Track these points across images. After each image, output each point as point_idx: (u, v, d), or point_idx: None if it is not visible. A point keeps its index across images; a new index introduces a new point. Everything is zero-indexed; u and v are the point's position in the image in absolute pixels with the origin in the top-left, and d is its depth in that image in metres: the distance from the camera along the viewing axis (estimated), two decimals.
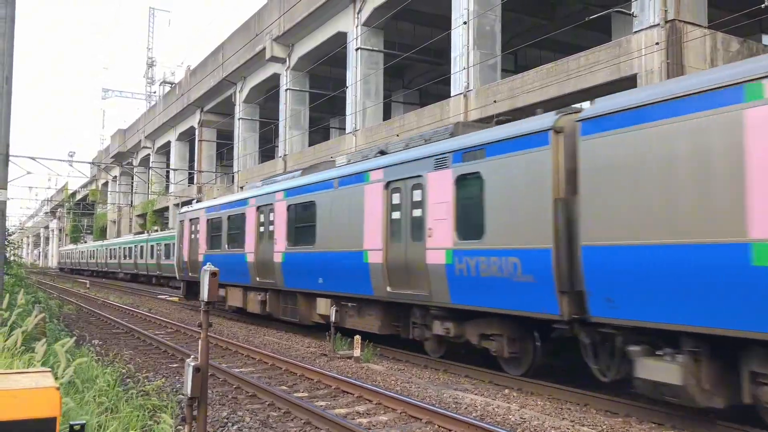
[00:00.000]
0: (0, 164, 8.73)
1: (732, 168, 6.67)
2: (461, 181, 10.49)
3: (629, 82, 15.43)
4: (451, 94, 21.94)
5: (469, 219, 10.30)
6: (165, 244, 40.13)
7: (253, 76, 37.55)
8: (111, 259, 55.66)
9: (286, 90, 33.41)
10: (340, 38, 28.71)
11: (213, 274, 5.59)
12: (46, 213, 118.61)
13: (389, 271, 12.14)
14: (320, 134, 41.01)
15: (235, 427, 7.72)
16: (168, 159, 57.26)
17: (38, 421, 2.52)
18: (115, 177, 71.80)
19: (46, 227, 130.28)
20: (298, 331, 16.82)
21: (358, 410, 8.48)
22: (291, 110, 33.63)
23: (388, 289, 12.13)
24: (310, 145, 34.19)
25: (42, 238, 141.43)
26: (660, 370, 7.31)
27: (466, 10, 21.27)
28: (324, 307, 14.48)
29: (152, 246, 43.25)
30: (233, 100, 40.75)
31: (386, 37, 27.81)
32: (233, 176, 42.18)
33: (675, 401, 7.33)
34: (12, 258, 21.50)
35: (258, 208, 17.69)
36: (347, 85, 28.32)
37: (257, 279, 17.54)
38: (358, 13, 27.04)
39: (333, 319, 13.59)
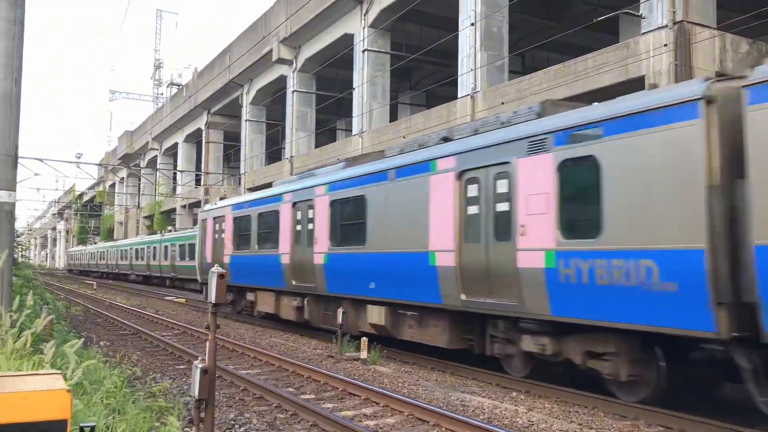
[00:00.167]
0: (9, 166, 8.76)
1: None
2: (567, 167, 8.69)
3: (637, 84, 15.38)
4: (458, 96, 21.93)
5: (579, 213, 8.74)
6: (180, 245, 39.04)
7: (259, 77, 37.64)
8: (122, 260, 54.46)
9: (293, 92, 33.46)
10: (347, 40, 28.74)
11: (220, 276, 5.59)
12: (54, 214, 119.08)
13: (464, 276, 10.42)
14: (327, 136, 41.04)
15: (242, 429, 7.72)
16: (175, 161, 57.46)
17: (49, 423, 2.52)
18: (123, 178, 72.06)
19: (54, 228, 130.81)
20: (304, 333, 16.82)
21: (365, 412, 8.47)
22: (298, 112, 33.68)
23: (463, 297, 10.37)
24: (316, 146, 34.24)
25: (49, 240, 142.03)
26: None
27: (474, 11, 21.26)
28: (377, 315, 12.81)
29: (166, 247, 42.14)
30: (240, 102, 40.85)
31: (393, 38, 27.82)
32: (240, 178, 42.26)
33: None
34: (20, 259, 21.58)
35: (294, 204, 16.10)
36: (354, 86, 28.34)
37: (293, 283, 15.96)
38: (364, 15, 27.06)
39: (340, 321, 13.51)
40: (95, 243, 73.88)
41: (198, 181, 51.98)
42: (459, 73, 21.98)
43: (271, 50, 33.23)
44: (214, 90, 42.45)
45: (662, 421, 7.83)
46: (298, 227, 15.89)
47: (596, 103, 9.08)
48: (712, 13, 15.86)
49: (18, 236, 23.66)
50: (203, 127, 47.93)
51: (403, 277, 11.89)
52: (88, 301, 29.01)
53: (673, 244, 7.39)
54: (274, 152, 43.04)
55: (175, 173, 55.83)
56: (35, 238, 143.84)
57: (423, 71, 33.29)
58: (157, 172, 55.11)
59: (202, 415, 5.59)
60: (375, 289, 12.62)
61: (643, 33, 15.93)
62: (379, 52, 27.37)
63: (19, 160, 9.28)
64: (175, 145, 55.50)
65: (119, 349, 13.86)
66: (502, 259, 9.71)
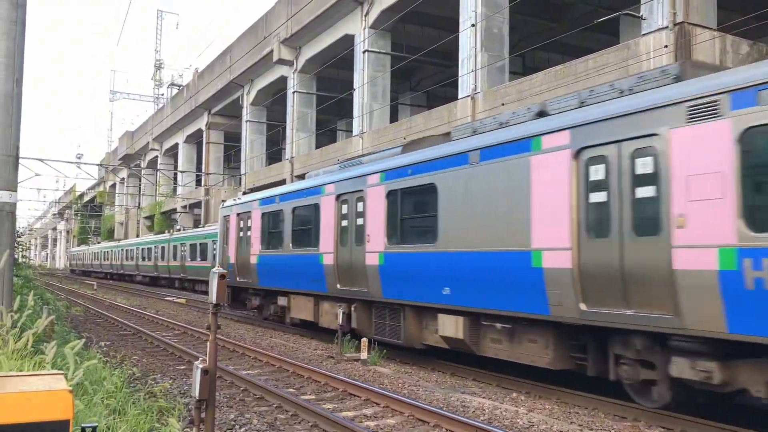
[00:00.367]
0: (10, 166, 8.77)
1: None
2: (755, 136, 6.69)
3: None
4: (459, 97, 21.93)
5: None
6: (191, 245, 37.20)
7: (260, 78, 37.67)
8: (127, 260, 52.61)
9: (294, 92, 33.48)
10: (348, 41, 28.75)
11: (221, 277, 5.59)
12: (54, 215, 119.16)
13: (585, 280, 8.33)
14: (327, 136, 41.08)
15: (242, 429, 7.73)
16: (175, 161, 57.49)
17: (51, 423, 2.53)
18: (123, 179, 72.09)
19: (54, 229, 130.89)
20: (305, 334, 16.83)
21: (366, 413, 8.48)
22: (298, 112, 33.71)
23: (582, 307, 8.27)
24: (317, 147, 34.26)
25: (50, 240, 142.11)
26: None
27: (474, 12, 21.27)
28: (452, 327, 10.66)
29: (175, 246, 40.26)
30: (240, 103, 40.87)
31: (393, 39, 27.82)
32: (240, 178, 42.29)
33: None
34: (21, 259, 21.59)
35: (339, 196, 14.12)
36: (354, 87, 28.35)
37: (338, 286, 13.96)
38: (365, 16, 27.07)
39: (341, 322, 13.50)
40: (98, 243, 72.25)
41: (198, 182, 52.02)
42: (459, 74, 21.99)
43: (271, 51, 33.25)
44: (215, 90, 42.49)
45: (662, 423, 7.83)
46: (345, 223, 13.92)
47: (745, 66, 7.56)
48: (712, 15, 15.86)
49: (19, 236, 23.65)
50: (204, 128, 47.96)
51: (492, 281, 9.75)
52: (88, 302, 29.02)
53: None
54: (274, 153, 43.07)
55: (175, 174, 55.87)
56: (36, 239, 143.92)
57: (423, 72, 33.30)
58: (158, 173, 55.14)
59: (203, 415, 5.59)
60: (450, 295, 10.52)
61: (644, 34, 15.93)
62: (379, 52, 27.39)
63: (20, 160, 9.30)
64: (176, 145, 55.53)
65: (120, 349, 13.88)
66: (646, 259, 7.64)
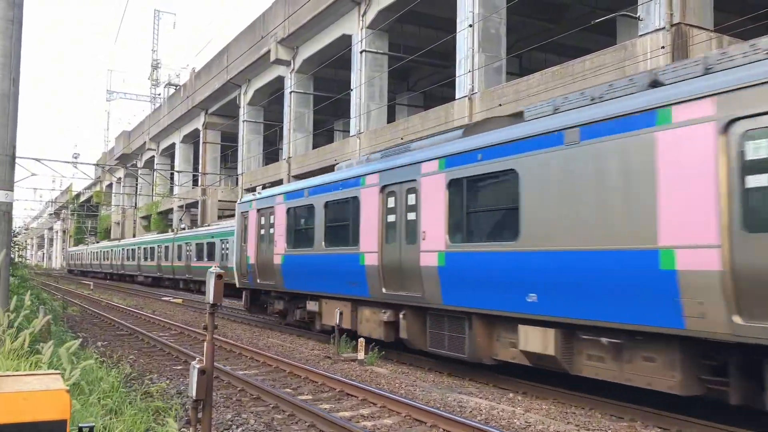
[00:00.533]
0: (6, 166, 8.75)
1: None
2: None
3: None
4: (456, 97, 21.94)
5: None
6: (197, 244, 35.50)
7: (257, 78, 37.66)
8: (128, 260, 50.76)
9: (291, 92, 33.48)
10: (345, 41, 28.76)
11: (219, 276, 5.60)
12: (50, 214, 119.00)
13: (743, 285, 6.58)
14: (324, 137, 41.11)
15: (239, 429, 7.72)
16: (172, 161, 57.46)
17: (48, 423, 2.52)
18: (120, 179, 72.01)
19: (50, 228, 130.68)
20: (302, 334, 16.82)
21: (363, 413, 8.48)
22: (295, 113, 33.71)
23: (737, 320, 6.59)
24: (314, 147, 34.26)
25: (46, 240, 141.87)
26: None
27: (472, 12, 21.29)
28: (539, 340, 8.92)
29: (179, 246, 38.51)
30: (237, 103, 40.86)
31: (391, 39, 27.85)
32: (237, 178, 42.27)
33: None
34: (17, 259, 21.54)
35: (384, 188, 12.40)
36: (352, 87, 28.36)
37: (383, 291, 12.28)
38: (362, 16, 27.08)
39: (338, 322, 13.49)
40: (96, 242, 70.83)
41: (195, 182, 51.98)
42: (457, 75, 22.01)
43: (269, 51, 33.25)
44: (212, 90, 42.47)
45: (659, 422, 7.85)
46: (391, 218, 12.20)
47: None
48: (709, 16, 15.90)
49: (15, 236, 23.60)
50: (200, 128, 47.93)
51: (598, 287, 8.06)
52: (85, 302, 28.97)
53: None
54: (271, 153, 43.07)
55: (172, 173, 55.83)
56: (32, 238, 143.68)
57: (421, 72, 33.33)
58: (155, 173, 55.08)
59: (200, 415, 5.59)
60: (537, 303, 8.88)
61: (641, 35, 15.96)
62: (377, 53, 27.40)
63: (17, 159, 9.28)
64: (173, 145, 55.48)
65: (116, 349, 13.85)
66: None
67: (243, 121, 40.14)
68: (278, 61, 33.13)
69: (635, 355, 7.87)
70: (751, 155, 6.63)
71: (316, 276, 14.80)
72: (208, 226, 37.15)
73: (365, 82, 27.30)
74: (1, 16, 8.54)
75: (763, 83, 6.53)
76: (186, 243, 37.44)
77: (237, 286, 19.52)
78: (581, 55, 17.80)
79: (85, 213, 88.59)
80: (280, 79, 34.98)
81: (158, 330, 18.09)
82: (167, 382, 10.32)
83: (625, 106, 7.92)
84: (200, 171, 47.86)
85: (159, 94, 78.15)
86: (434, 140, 11.96)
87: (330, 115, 40.20)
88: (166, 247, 41.20)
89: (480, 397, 9.46)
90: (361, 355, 12.33)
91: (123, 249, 52.91)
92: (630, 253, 7.68)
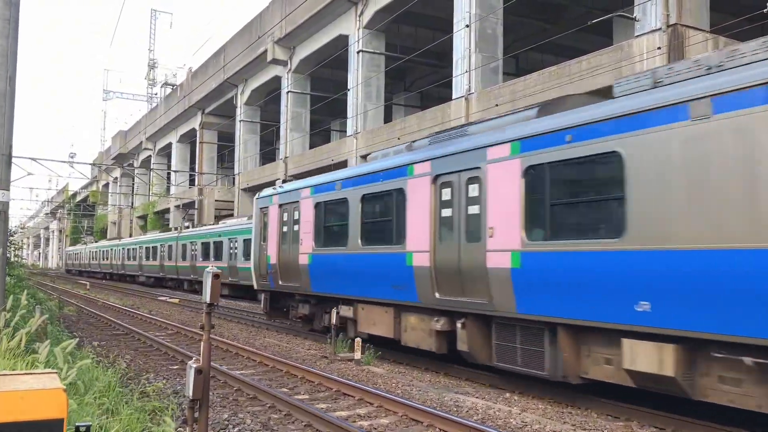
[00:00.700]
0: (3, 165, 8.75)
1: None
2: None
3: None
4: (453, 97, 21.97)
5: None
6: (202, 243, 34.08)
7: (254, 78, 37.65)
8: (129, 260, 49.19)
9: (287, 92, 33.49)
10: (342, 41, 28.76)
11: (215, 276, 5.59)
12: (47, 214, 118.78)
13: None
14: (321, 137, 41.12)
15: (236, 429, 7.72)
16: (169, 161, 57.40)
17: (45, 422, 2.53)
18: (116, 178, 71.92)
19: (47, 228, 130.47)
20: (298, 334, 16.82)
21: (359, 413, 8.48)
22: (292, 112, 33.71)
23: None
24: (310, 147, 34.26)
25: (42, 239, 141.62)
26: None
27: (468, 13, 21.31)
28: (652, 358, 7.39)
29: (184, 245, 37.05)
30: (234, 103, 40.84)
31: (388, 39, 27.87)
32: (234, 178, 42.25)
33: None
34: (14, 259, 21.51)
35: (437, 178, 10.87)
36: (348, 87, 28.37)
37: (436, 295, 10.72)
38: (359, 16, 27.09)
39: (334, 322, 13.47)
40: (95, 242, 69.57)
41: (192, 182, 51.93)
42: (453, 75, 22.03)
43: (265, 51, 33.25)
44: (209, 90, 42.46)
45: (655, 422, 7.87)
46: (446, 212, 10.69)
47: None
48: (705, 17, 15.94)
49: (11, 235, 23.55)
50: (197, 128, 47.90)
51: (743, 294, 6.52)
52: (81, 302, 28.93)
53: None
54: (268, 153, 43.06)
55: (168, 173, 55.76)
56: (28, 238, 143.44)
57: (417, 72, 33.36)
58: (151, 172, 55.00)
59: (196, 415, 5.58)
60: (651, 313, 7.35)
61: (637, 36, 16.00)
62: (373, 53, 27.41)
63: (13, 159, 9.27)
64: (169, 145, 55.43)
65: (113, 349, 13.84)
66: None
67: (240, 121, 40.13)
68: (275, 61, 33.13)
69: None
70: None
71: (351, 278, 13.31)
72: (214, 224, 36.03)
73: (362, 82, 27.31)
74: None
75: None
76: (191, 242, 36.02)
77: (255, 288, 18.18)
78: (578, 56, 17.84)
79: (81, 213, 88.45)
80: (276, 79, 34.97)
81: (155, 330, 18.07)
82: (164, 381, 10.31)
83: None
84: (197, 171, 47.82)
85: (156, 94, 78.09)
86: (497, 123, 10.43)
87: (327, 115, 40.21)
88: (170, 247, 39.78)
89: (476, 397, 9.47)
90: (357, 355, 12.33)
91: (123, 248, 51.40)
92: None
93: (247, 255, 27.30)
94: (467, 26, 21.30)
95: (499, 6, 21.45)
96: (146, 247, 44.95)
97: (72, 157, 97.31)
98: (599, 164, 8.25)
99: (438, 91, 30.30)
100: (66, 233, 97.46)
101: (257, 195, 18.46)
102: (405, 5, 23.82)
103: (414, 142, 12.68)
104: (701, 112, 6.98)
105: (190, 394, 5.47)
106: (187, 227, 40.31)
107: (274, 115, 37.27)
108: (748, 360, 6.52)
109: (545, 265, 8.70)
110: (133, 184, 66.63)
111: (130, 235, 60.31)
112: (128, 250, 49.80)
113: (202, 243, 34.18)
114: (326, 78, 34.08)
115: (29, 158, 33.76)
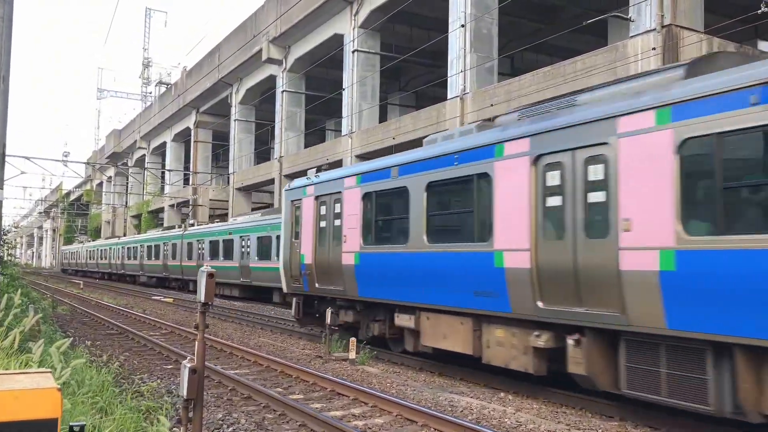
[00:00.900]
0: None
1: None
2: None
3: None
4: (448, 97, 21.99)
5: None
6: (210, 242, 32.13)
7: (249, 77, 37.61)
8: (129, 259, 47.00)
9: (282, 92, 33.46)
10: (337, 40, 28.76)
11: (210, 275, 5.59)
12: (40, 213, 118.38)
13: None
14: (316, 136, 41.10)
15: (230, 429, 7.71)
16: (163, 160, 57.30)
17: (40, 421, 2.52)
18: (110, 177, 71.73)
19: (40, 227, 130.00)
20: (293, 333, 16.81)
21: (354, 413, 8.48)
22: (287, 112, 33.70)
23: None
24: (305, 146, 34.25)
25: (35, 238, 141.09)
26: None
27: (463, 13, 21.34)
28: None
29: (189, 243, 35.09)
30: (229, 102, 40.79)
31: (383, 39, 27.88)
32: (228, 177, 42.19)
33: None
34: (7, 258, 21.43)
35: (538, 159, 8.82)
36: (343, 87, 28.37)
37: (538, 304, 8.71)
38: (354, 16, 27.09)
39: (329, 321, 13.44)
40: (90, 241, 68.23)
41: (186, 181, 51.83)
42: (448, 75, 22.05)
43: (260, 50, 33.22)
44: (203, 89, 42.40)
45: (649, 422, 7.89)
46: (554, 201, 8.63)
47: None
48: (700, 17, 16.01)
49: (5, 234, 23.46)
50: (192, 127, 47.81)
51: None
52: (75, 301, 28.83)
53: None
54: (263, 152, 43.00)
55: (163, 172, 55.65)
56: (21, 237, 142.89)
57: (413, 72, 33.38)
58: (145, 171, 54.86)
59: (191, 414, 5.58)
60: None
61: (632, 36, 16.05)
62: (368, 52, 27.41)
63: (6, 158, 9.23)
64: (164, 144, 55.33)
65: (106, 348, 13.80)
66: None
67: (234, 120, 40.08)
68: (270, 60, 33.11)
69: None
70: None
71: (413, 281, 11.34)
72: (223, 221, 34.68)
73: (357, 81, 27.31)
74: None
75: None
76: (198, 240, 33.90)
77: (285, 291, 16.11)
78: (573, 56, 17.89)
79: (75, 212, 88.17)
80: (271, 78, 34.94)
81: (149, 329, 18.02)
82: (158, 381, 10.29)
83: None
84: (191, 170, 47.72)
85: (150, 93, 77.88)
86: (619, 89, 8.48)
87: (322, 115, 40.19)
88: (174, 245, 37.40)
89: (471, 397, 9.48)
90: (352, 355, 12.33)
91: (123, 247, 49.05)
92: None
93: (261, 254, 26.75)
94: (462, 26, 21.33)
95: (494, 6, 21.49)
96: (148, 246, 42.69)
97: (66, 156, 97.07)
98: None
99: (433, 91, 30.32)
100: (60, 232, 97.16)
101: (287, 186, 16.36)
102: (400, 5, 23.84)
103: (496, 117, 10.88)
104: None
105: (185, 393, 5.47)
106: (192, 224, 38.01)
107: (269, 115, 37.23)
108: None
109: (716, 267, 6.62)
110: (128, 183, 66.46)
111: (124, 234, 60.08)
112: (128, 248, 47.61)
113: (210, 241, 32.16)
114: (321, 77, 34.07)
115: (23, 157, 33.66)
